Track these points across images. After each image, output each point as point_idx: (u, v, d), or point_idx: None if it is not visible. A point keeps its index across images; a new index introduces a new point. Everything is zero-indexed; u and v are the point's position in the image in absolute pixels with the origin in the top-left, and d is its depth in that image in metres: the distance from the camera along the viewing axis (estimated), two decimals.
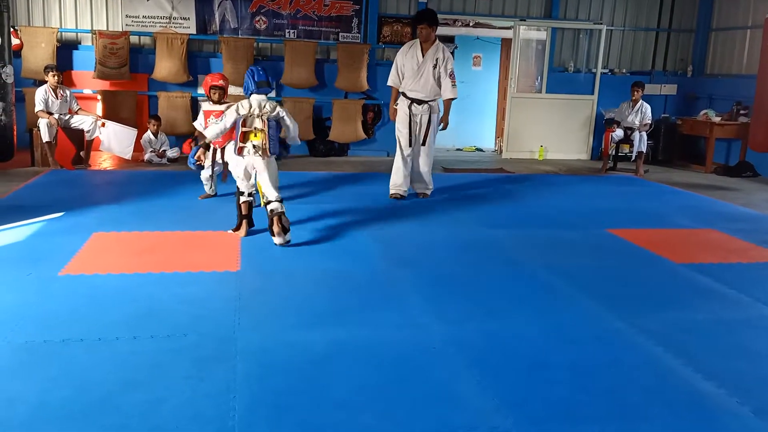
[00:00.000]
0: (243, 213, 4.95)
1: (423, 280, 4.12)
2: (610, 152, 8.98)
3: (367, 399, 2.65)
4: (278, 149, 4.82)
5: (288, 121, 4.91)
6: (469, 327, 3.43)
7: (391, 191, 6.50)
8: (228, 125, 4.72)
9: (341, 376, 2.83)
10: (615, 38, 10.10)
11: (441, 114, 6.46)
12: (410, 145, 6.39)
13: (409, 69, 6.30)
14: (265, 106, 4.73)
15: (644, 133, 8.77)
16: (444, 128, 6.54)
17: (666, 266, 4.64)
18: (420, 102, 6.31)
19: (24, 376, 2.68)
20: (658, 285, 4.24)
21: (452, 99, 6.35)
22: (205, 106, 5.86)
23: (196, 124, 5.90)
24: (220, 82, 5.75)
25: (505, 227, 5.58)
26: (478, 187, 7.42)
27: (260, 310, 3.55)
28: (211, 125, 5.09)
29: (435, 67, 6.25)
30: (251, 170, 4.83)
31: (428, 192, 6.63)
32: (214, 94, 5.74)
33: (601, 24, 9.78)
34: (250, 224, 4.99)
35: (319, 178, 7.45)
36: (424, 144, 6.42)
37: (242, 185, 4.92)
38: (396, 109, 6.47)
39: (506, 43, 11.28)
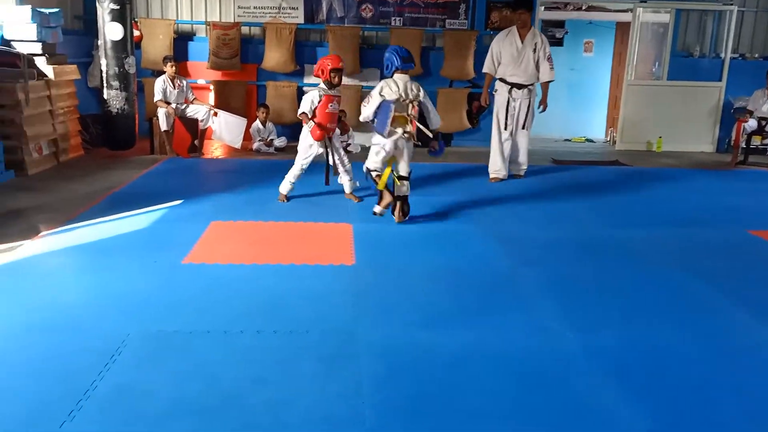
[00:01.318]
0: (381, 187, 4.91)
1: (548, 281, 3.87)
2: (741, 144, 8.23)
3: (503, 410, 2.47)
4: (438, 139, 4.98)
5: (429, 105, 4.90)
6: (605, 335, 3.16)
7: (491, 175, 6.80)
8: (374, 108, 4.72)
9: (473, 382, 2.65)
10: (747, 20, 9.21)
11: (539, 97, 6.73)
12: (506, 129, 6.64)
13: (508, 55, 6.54)
14: (412, 89, 4.73)
15: None
16: (543, 110, 6.81)
17: None
18: (521, 87, 6.57)
19: (159, 368, 2.69)
20: None
21: (550, 81, 6.64)
22: (313, 92, 5.39)
23: (304, 108, 5.39)
24: (341, 64, 5.38)
25: (629, 226, 5.18)
26: (594, 182, 6.98)
27: (380, 307, 3.43)
28: (363, 107, 4.91)
29: (534, 51, 6.50)
30: (392, 152, 4.84)
31: (522, 172, 6.94)
32: (335, 77, 5.33)
33: (732, 4, 8.95)
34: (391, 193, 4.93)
35: (424, 170, 7.26)
36: (524, 128, 6.70)
37: (377, 165, 4.89)
38: (489, 94, 6.84)
39: (621, 27, 10.61)
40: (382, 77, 8.77)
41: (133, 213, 5.05)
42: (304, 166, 5.51)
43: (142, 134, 7.94)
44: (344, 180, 5.65)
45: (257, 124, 8.22)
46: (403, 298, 3.55)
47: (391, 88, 4.72)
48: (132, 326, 3.06)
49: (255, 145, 8.12)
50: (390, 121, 4.65)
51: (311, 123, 5.31)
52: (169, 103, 7.50)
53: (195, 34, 9.00)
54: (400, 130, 4.73)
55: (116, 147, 7.50)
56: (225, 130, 7.88)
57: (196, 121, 7.70)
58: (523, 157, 6.87)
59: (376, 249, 4.41)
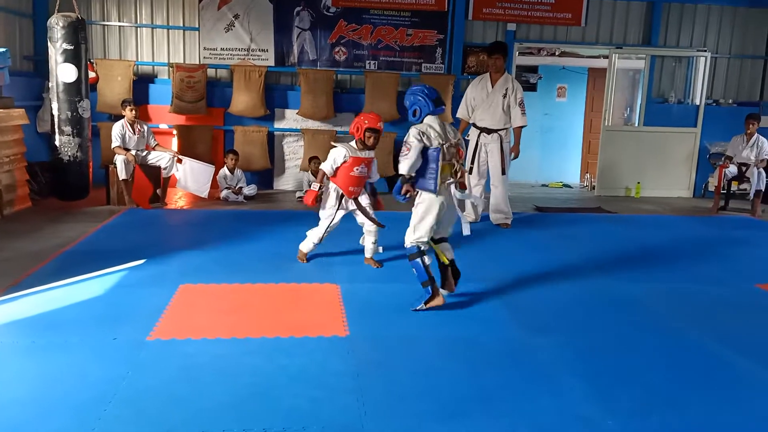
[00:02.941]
0: (433, 275, 3.92)
1: (568, 352, 3.43)
2: (722, 190, 8.11)
3: None
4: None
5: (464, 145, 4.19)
6: (652, 423, 2.72)
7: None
8: (415, 157, 3.80)
9: None
10: (720, 66, 9.26)
11: (512, 143, 6.59)
12: (469, 173, 6.51)
13: (479, 99, 6.52)
14: (449, 131, 3.94)
15: (762, 170, 7.88)
16: (515, 157, 6.66)
17: None
18: (489, 131, 6.47)
19: None
20: None
21: (522, 127, 6.52)
22: (339, 150, 4.66)
23: (325, 167, 4.71)
24: (379, 125, 4.61)
25: (638, 281, 4.82)
26: (584, 231, 6.67)
27: (387, 391, 2.92)
28: (402, 159, 3.93)
29: (504, 96, 6.43)
30: (441, 215, 3.93)
31: (509, 221, 6.63)
32: (370, 138, 4.60)
33: (705, 51, 8.99)
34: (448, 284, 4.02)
35: (403, 217, 6.84)
36: (503, 173, 6.51)
37: (427, 233, 3.93)
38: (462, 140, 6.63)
39: (593, 73, 10.62)
40: None
41: (88, 276, 4.43)
42: (329, 229, 4.85)
43: (96, 183, 7.30)
44: (367, 242, 4.96)
45: (225, 171, 7.70)
46: (411, 379, 3.05)
47: (429, 131, 3.84)
48: (86, 430, 2.46)
49: (223, 194, 7.57)
50: (439, 174, 3.80)
51: (316, 185, 4.72)
52: (128, 150, 6.92)
53: (156, 76, 8.49)
54: (452, 185, 3.88)
55: (68, 197, 6.84)
56: (190, 178, 7.32)
57: (158, 168, 7.13)
58: (505, 206, 6.60)
59: (370, 315, 3.90)
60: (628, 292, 4.53)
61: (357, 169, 4.66)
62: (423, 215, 3.91)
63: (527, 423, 2.68)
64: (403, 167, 3.85)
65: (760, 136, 8.02)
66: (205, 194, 7.40)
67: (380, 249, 4.99)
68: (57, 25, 6.46)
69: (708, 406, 2.90)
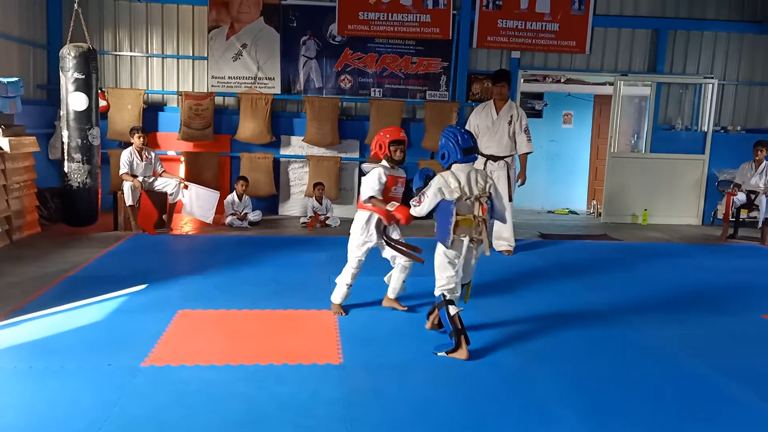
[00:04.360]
0: (460, 327, 3.69)
1: (566, 382, 3.40)
2: (730, 218, 8.04)
3: None
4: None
5: (500, 195, 3.83)
6: None
7: None
8: (428, 207, 3.67)
9: None
10: (727, 93, 9.23)
11: (518, 170, 6.62)
12: None
13: (484, 127, 6.53)
14: (478, 181, 3.68)
15: None
16: (522, 183, 6.69)
17: None
18: (495, 159, 6.48)
19: None
20: None
21: (528, 153, 6.58)
22: (376, 171, 4.23)
23: (371, 191, 4.19)
24: (402, 135, 4.29)
25: (641, 312, 4.76)
26: (587, 258, 6.63)
27: (378, 421, 2.91)
28: (413, 207, 3.80)
29: (510, 123, 6.48)
30: (458, 261, 3.72)
31: (511, 248, 6.60)
32: (396, 152, 4.24)
33: (712, 78, 8.98)
34: (468, 340, 3.70)
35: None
36: (510, 200, 6.42)
37: (449, 281, 3.77)
38: None
39: (599, 99, 10.64)
40: (362, 149, 8.66)
41: (90, 302, 4.47)
42: (361, 260, 4.35)
43: (105, 209, 7.40)
44: (397, 280, 4.45)
45: (233, 196, 7.77)
46: (404, 408, 3.04)
47: (450, 183, 3.63)
48: None
49: (228, 220, 7.63)
50: (453, 227, 3.61)
51: (393, 204, 4.13)
52: (135, 176, 7.02)
53: (166, 104, 8.64)
54: (466, 240, 3.65)
55: (76, 223, 6.93)
56: (196, 204, 7.39)
57: (164, 195, 7.21)
58: (508, 233, 6.57)
59: (365, 342, 3.90)
60: (630, 322, 4.48)
61: (394, 189, 4.28)
62: (440, 265, 3.79)
63: None
64: (414, 211, 3.80)
65: None
66: (210, 220, 7.46)
67: (404, 288, 4.53)
68: (69, 55, 6.62)
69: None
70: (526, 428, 2.88)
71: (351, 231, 4.37)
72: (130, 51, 8.50)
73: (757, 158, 7.96)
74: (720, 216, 8.36)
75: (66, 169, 6.80)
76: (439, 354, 3.67)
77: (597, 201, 9.89)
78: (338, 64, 8.64)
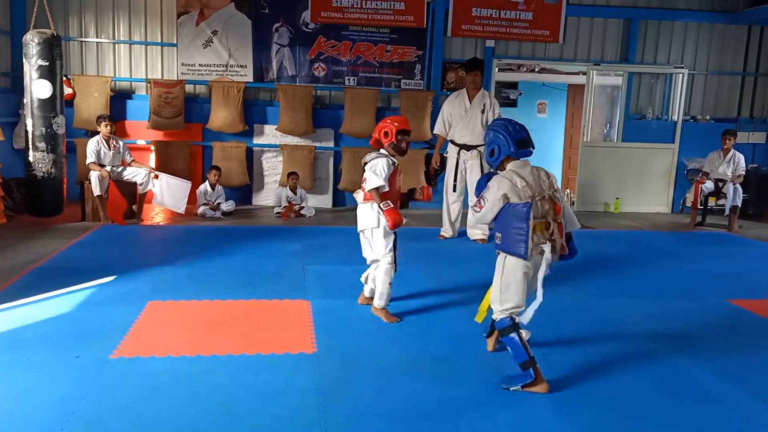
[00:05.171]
0: (532, 354, 3.10)
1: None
2: (698, 205, 8.17)
3: None
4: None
5: (562, 197, 3.29)
6: None
7: (440, 233, 6.83)
8: (494, 212, 3.16)
9: None
10: (697, 83, 9.36)
11: None
12: (454, 191, 6.57)
13: (457, 116, 6.54)
14: (543, 179, 3.15)
15: (738, 186, 7.95)
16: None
17: None
18: (469, 147, 6.48)
19: None
20: None
21: None
22: (380, 160, 3.95)
23: (377, 182, 3.90)
24: (409, 125, 4.11)
25: (611, 296, 4.84)
26: None
27: (351, 409, 2.89)
28: (472, 212, 3.32)
29: (483, 112, 6.47)
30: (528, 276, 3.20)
31: (485, 237, 6.61)
32: (402, 141, 4.02)
33: (682, 68, 9.10)
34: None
35: None
36: None
37: (519, 301, 3.20)
38: (440, 156, 6.84)
39: (573, 89, 10.72)
40: (337, 137, 8.61)
41: (57, 293, 4.36)
42: (394, 256, 4.06)
43: (71, 199, 7.23)
44: (371, 278, 4.22)
45: (205, 186, 7.66)
46: (377, 397, 3.02)
47: (516, 182, 3.09)
48: None
49: (200, 210, 7.52)
50: (531, 234, 3.08)
51: (388, 203, 3.88)
52: (103, 166, 6.86)
53: (134, 92, 8.45)
54: (547, 248, 3.10)
55: (42, 214, 6.77)
56: (167, 194, 7.26)
57: (134, 184, 7.07)
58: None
59: (339, 332, 3.86)
60: (600, 307, 4.53)
61: (399, 178, 4.09)
62: (508, 282, 3.20)
63: None
64: (476, 217, 3.27)
65: (737, 152, 8.10)
66: (182, 210, 7.34)
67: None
68: (32, 41, 6.43)
69: (666, 415, 2.90)
70: (500, 415, 2.88)
71: (363, 225, 4.06)
72: (96, 37, 8.29)
73: (725, 147, 8.09)
74: (689, 204, 8.50)
75: (31, 159, 6.62)
76: (512, 389, 3.08)
77: (570, 190, 9.97)
78: (312, 52, 8.55)
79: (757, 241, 7.37)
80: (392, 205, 3.90)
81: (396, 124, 4.03)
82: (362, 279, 4.37)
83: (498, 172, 3.24)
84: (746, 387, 3.27)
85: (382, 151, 4.05)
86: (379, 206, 3.91)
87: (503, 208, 3.11)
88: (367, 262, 4.23)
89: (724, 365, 3.55)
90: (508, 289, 3.19)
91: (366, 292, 4.36)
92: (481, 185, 3.27)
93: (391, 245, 4.03)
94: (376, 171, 3.92)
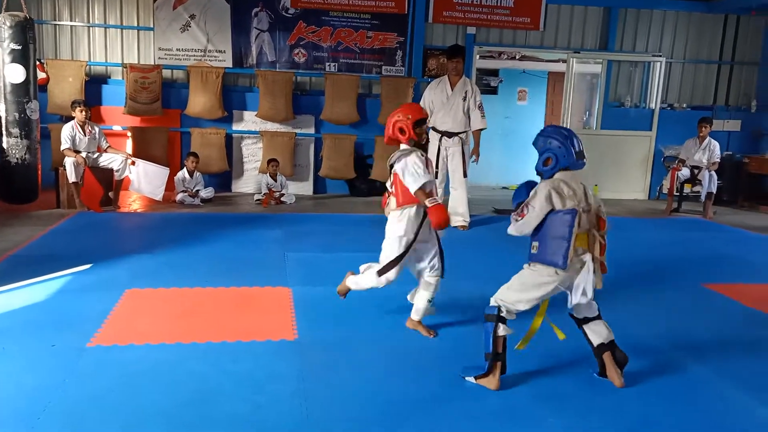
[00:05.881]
0: (500, 351, 3.09)
1: (519, 354, 3.43)
2: (674, 192, 8.28)
3: None
4: None
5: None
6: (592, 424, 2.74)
7: None
8: (537, 219, 3.01)
9: None
10: (674, 71, 9.46)
11: (472, 146, 6.64)
12: (436, 178, 6.35)
13: (439, 103, 6.53)
14: (588, 193, 3.05)
15: (713, 173, 8.07)
16: (476, 160, 6.70)
17: None
18: (450, 135, 6.48)
19: None
20: None
21: (482, 129, 6.58)
22: (411, 156, 3.51)
23: (419, 180, 3.47)
24: (425, 112, 3.68)
25: None
26: None
27: (331, 396, 2.89)
28: (513, 222, 3.12)
29: (464, 99, 6.48)
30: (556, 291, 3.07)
31: (466, 224, 6.64)
32: (422, 134, 3.59)
33: (660, 56, 9.18)
34: (504, 368, 3.11)
35: (363, 221, 6.84)
36: (465, 176, 6.55)
37: (522, 305, 3.13)
38: None
39: (553, 77, 10.76)
40: (317, 124, 8.55)
41: (32, 281, 4.29)
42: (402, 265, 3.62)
43: (46, 186, 7.10)
44: (420, 296, 3.70)
45: (183, 173, 7.57)
46: (358, 384, 3.02)
47: (563, 190, 2.98)
48: None
49: (179, 197, 7.43)
50: (572, 244, 2.95)
51: (434, 199, 3.47)
52: (78, 152, 6.74)
53: (110, 77, 8.30)
54: (588, 258, 2.99)
55: (15, 200, 6.63)
56: (144, 181, 7.16)
57: (110, 171, 6.96)
58: (462, 208, 6.65)
59: (320, 319, 3.86)
60: None
61: (421, 173, 3.57)
62: (526, 282, 3.12)
63: (471, 426, 2.68)
64: (515, 228, 3.12)
65: (712, 140, 8.21)
66: (159, 197, 7.25)
67: (434, 309, 3.79)
68: (4, 24, 6.27)
69: (647, 398, 2.95)
70: (480, 403, 2.90)
71: (393, 233, 3.60)
72: (71, 20, 8.12)
73: (701, 134, 8.19)
74: (665, 191, 8.60)
75: (4, 145, 6.47)
76: (467, 378, 3.10)
77: None
78: (292, 37, 8.46)
79: (731, 227, 7.50)
80: (439, 202, 3.48)
81: (410, 116, 3.53)
82: (408, 298, 3.85)
83: (534, 181, 3.15)
84: (717, 370, 3.34)
85: (403, 146, 3.59)
86: (424, 203, 3.45)
87: (547, 215, 2.99)
88: (415, 276, 3.76)
89: (695, 345, 3.64)
90: (521, 287, 3.13)
91: (413, 314, 3.74)
92: (522, 193, 3.14)
93: (403, 250, 3.56)
94: (409, 170, 3.48)
